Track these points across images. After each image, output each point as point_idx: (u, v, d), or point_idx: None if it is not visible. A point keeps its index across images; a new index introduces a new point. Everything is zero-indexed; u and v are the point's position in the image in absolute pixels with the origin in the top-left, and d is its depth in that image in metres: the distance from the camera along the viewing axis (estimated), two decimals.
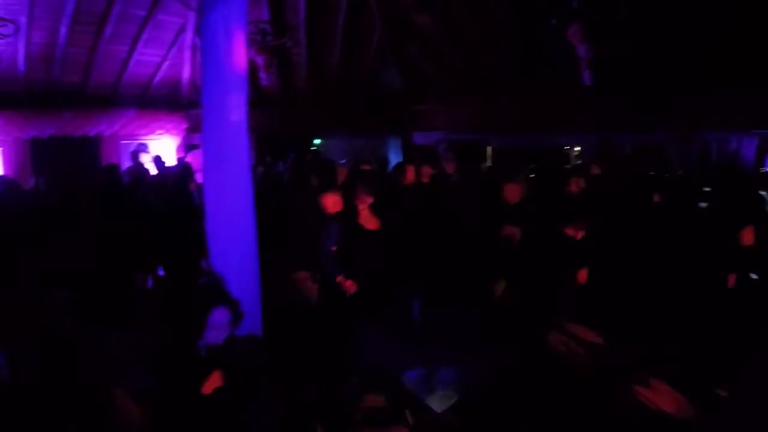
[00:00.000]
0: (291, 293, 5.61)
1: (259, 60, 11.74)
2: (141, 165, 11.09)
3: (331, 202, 5.77)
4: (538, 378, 4.77)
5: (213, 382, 3.50)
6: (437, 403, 4.41)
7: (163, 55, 13.71)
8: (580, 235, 5.92)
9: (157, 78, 14.15)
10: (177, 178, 8.14)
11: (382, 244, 5.97)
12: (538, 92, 12.24)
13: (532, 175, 9.51)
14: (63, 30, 11.74)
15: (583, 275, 6.00)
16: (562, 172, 9.71)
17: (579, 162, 13.45)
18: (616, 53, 10.19)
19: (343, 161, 13.61)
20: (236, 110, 4.19)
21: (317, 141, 16.51)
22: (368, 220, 5.93)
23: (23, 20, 11.01)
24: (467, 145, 13.57)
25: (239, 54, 4.24)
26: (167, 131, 14.62)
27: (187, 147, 10.65)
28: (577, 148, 14.10)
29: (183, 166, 8.53)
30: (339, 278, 5.65)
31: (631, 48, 10.53)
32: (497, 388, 4.69)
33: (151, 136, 14.44)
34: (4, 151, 12.58)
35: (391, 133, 15.52)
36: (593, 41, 9.27)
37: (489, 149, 14.53)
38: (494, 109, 13.21)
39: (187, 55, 13.91)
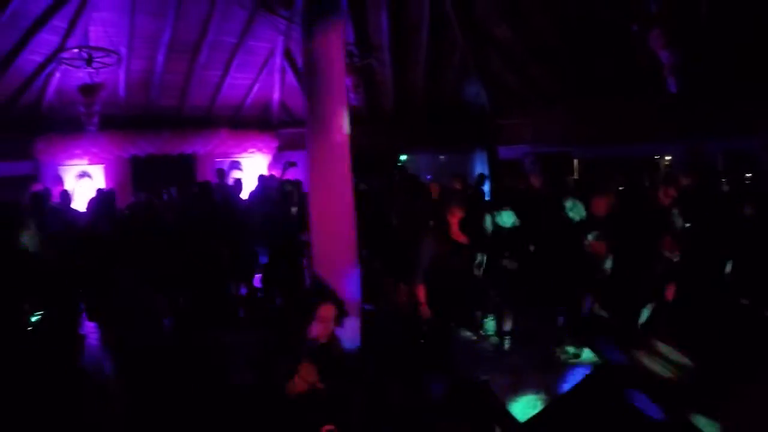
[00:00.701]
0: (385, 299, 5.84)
1: (347, 81, 12.04)
2: (224, 185, 11.55)
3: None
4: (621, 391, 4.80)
5: (306, 374, 3.74)
6: (522, 411, 4.51)
7: (253, 79, 14.41)
8: (675, 251, 5.89)
9: (249, 100, 14.85)
10: (279, 193, 8.62)
11: (472, 256, 6.14)
12: (623, 101, 12.08)
13: (621, 188, 9.39)
14: (160, 58, 12.66)
15: (671, 291, 5.97)
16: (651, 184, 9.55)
17: (669, 171, 13.14)
18: (700, 57, 9.98)
19: (430, 177, 13.76)
20: (338, 131, 4.52)
21: (403, 157, 16.76)
22: (459, 234, 6.09)
23: (123, 51, 11.98)
24: (554, 158, 13.52)
25: (339, 80, 4.58)
26: (259, 150, 15.22)
27: (285, 164, 11.16)
28: (668, 157, 13.76)
29: (283, 183, 9.03)
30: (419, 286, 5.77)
31: (715, 51, 10.28)
32: (580, 399, 4.75)
33: (243, 155, 15.09)
34: (106, 168, 13.57)
35: (476, 147, 15.57)
36: (675, 46, 9.10)
37: (576, 161, 14.40)
38: (579, 119, 13.04)
39: (276, 77, 14.52)
